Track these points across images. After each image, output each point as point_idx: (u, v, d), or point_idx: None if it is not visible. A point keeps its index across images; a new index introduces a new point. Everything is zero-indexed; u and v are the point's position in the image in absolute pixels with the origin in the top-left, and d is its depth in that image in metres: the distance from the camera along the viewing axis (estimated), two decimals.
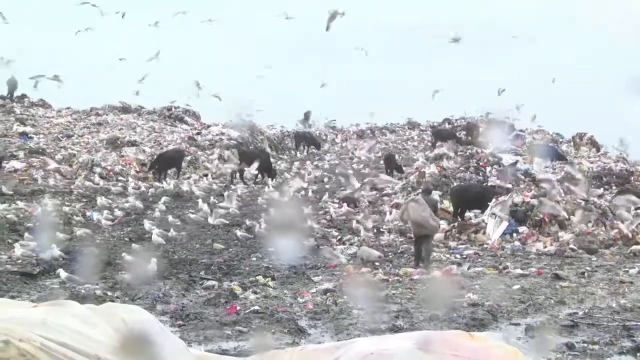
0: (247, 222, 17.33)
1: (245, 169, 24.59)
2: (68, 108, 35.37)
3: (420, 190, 16.62)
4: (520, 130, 32.54)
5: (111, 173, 24.19)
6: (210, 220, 17.34)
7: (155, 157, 25.73)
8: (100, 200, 19.36)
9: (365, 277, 12.56)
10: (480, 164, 23.38)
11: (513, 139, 30.87)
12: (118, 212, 18.12)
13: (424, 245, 13.51)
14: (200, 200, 19.44)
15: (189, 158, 27.25)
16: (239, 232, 16.34)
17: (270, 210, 17.79)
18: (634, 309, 10.03)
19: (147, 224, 16.33)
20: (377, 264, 13.74)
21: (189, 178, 24.87)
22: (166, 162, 24.79)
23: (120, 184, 22.79)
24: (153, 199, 20.59)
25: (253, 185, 24.50)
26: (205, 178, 25.22)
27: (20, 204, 17.97)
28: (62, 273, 11.88)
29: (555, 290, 11.40)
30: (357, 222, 17.72)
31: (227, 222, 17.47)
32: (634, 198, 17.82)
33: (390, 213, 18.77)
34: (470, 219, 17.72)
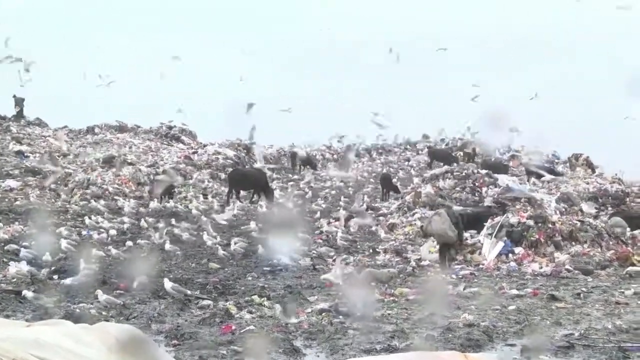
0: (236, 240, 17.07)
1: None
2: (65, 127, 35.45)
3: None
4: (516, 151, 32.65)
5: (107, 192, 24.16)
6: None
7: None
8: (94, 219, 19.30)
9: (362, 296, 12.50)
10: (477, 184, 23.45)
11: (509, 159, 31.01)
12: (112, 232, 18.08)
13: (446, 252, 15.44)
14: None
15: (191, 181, 27.31)
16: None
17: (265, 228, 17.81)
18: (630, 330, 9.99)
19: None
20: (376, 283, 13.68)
21: (184, 198, 24.84)
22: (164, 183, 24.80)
23: (116, 203, 22.76)
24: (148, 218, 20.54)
25: (249, 204, 24.45)
26: (203, 197, 25.18)
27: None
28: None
29: (550, 311, 11.37)
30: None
31: (223, 242, 17.38)
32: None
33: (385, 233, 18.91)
34: (467, 239, 17.70)
